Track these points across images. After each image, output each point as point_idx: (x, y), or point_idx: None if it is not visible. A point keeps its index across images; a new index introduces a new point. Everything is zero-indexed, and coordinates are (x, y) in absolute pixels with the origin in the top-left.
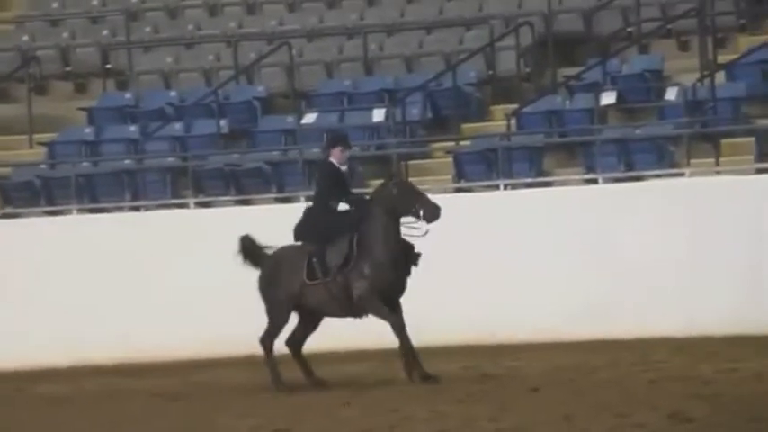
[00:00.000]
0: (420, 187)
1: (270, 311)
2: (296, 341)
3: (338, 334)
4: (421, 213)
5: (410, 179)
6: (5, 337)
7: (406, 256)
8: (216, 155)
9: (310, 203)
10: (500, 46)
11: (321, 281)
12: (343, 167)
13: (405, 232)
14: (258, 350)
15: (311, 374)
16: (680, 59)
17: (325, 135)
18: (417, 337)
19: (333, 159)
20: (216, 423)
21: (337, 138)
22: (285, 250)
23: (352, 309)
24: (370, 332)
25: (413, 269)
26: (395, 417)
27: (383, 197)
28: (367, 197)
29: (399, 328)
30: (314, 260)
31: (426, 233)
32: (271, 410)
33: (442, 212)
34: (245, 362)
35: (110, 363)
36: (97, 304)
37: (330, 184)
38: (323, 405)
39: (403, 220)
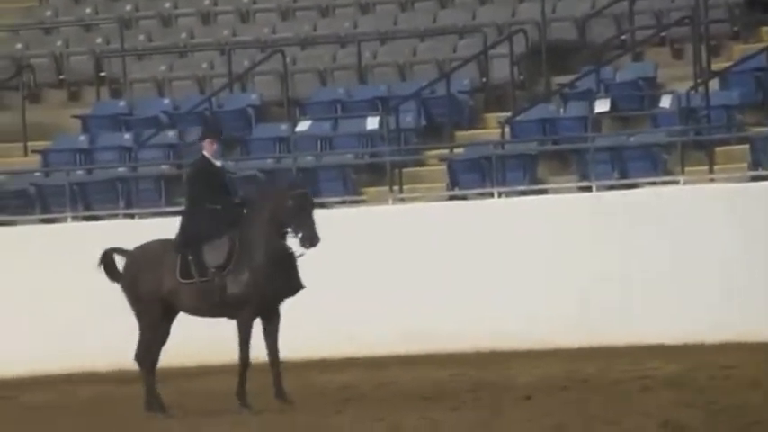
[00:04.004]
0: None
1: (138, 313)
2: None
3: (324, 342)
4: (300, 235)
5: (404, 187)
6: None
7: (290, 265)
8: None
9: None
10: (493, 54)
11: (197, 280)
12: (218, 162)
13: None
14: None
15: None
16: (674, 67)
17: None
18: (412, 345)
19: (206, 153)
20: None
21: (206, 129)
22: (150, 246)
23: (226, 310)
24: (359, 342)
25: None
26: (382, 425)
27: (275, 203)
28: (252, 198)
29: (243, 342)
30: (189, 258)
31: (302, 255)
32: (263, 415)
33: (320, 244)
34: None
35: (104, 370)
36: (93, 311)
37: (201, 184)
38: (315, 412)
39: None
